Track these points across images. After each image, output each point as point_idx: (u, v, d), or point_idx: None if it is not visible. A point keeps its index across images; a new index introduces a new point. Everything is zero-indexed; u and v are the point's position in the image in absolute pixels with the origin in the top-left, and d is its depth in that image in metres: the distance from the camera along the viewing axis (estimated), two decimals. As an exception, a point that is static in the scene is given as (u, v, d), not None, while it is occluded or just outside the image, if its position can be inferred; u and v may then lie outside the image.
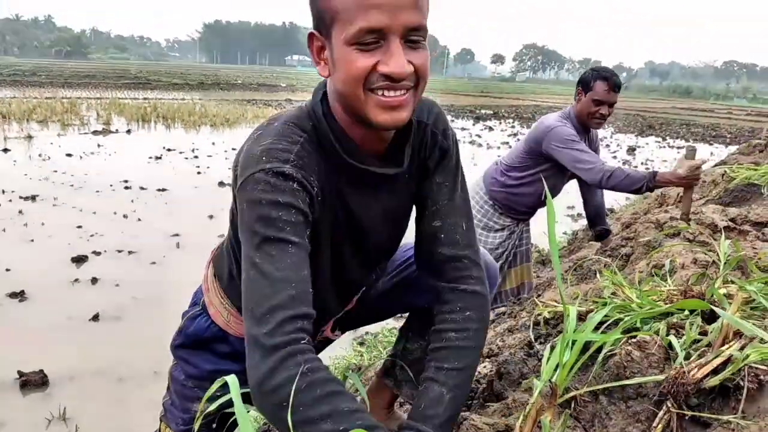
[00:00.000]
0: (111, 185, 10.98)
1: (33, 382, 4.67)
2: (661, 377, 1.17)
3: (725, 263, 1.79)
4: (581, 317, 1.49)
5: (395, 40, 0.98)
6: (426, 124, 1.26)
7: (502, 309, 3.48)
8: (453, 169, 1.29)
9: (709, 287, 1.40)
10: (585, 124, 3.07)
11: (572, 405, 1.26)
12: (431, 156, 1.27)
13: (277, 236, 1.02)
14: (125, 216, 10.27)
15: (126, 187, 10.97)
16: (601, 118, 2.97)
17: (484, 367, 1.68)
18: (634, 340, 1.27)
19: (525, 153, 3.10)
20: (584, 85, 2.99)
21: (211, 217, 10.87)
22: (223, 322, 1.44)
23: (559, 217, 11.25)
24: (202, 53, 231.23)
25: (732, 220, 2.91)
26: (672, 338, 1.22)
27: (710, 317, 1.35)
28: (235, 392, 0.95)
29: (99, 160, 13.02)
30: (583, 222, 9.63)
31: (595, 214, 3.38)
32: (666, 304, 1.40)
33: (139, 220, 10.00)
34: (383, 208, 1.25)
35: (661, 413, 1.14)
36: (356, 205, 1.20)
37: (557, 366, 1.14)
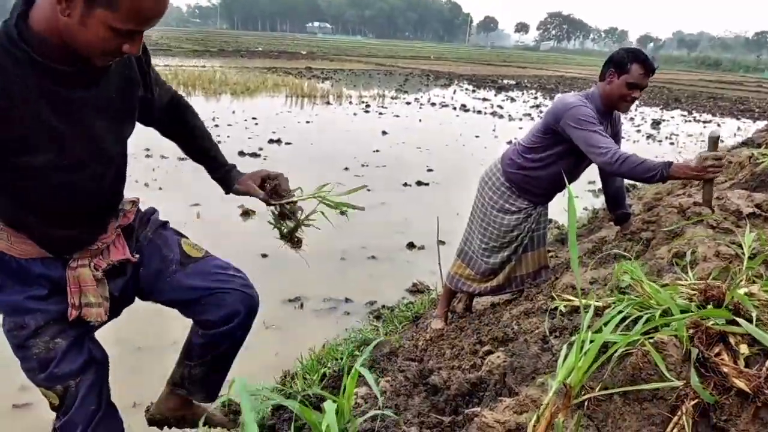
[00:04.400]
0: (132, 153, 11.04)
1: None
2: (677, 383, 1.15)
3: (749, 257, 1.74)
4: (597, 312, 1.47)
5: (140, 36, 1.30)
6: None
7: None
8: None
9: (730, 288, 1.36)
10: (612, 107, 2.96)
11: (585, 404, 1.24)
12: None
13: None
14: (146, 184, 10.37)
15: (147, 156, 11.04)
16: (631, 101, 2.86)
17: (498, 357, 1.67)
18: (651, 340, 1.25)
19: (542, 132, 3.01)
20: (618, 66, 2.84)
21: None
22: (5, 246, 1.48)
23: (580, 192, 11.12)
24: (223, 19, 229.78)
25: (758, 206, 2.83)
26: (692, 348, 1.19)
27: (734, 315, 1.31)
28: (243, 394, 0.96)
29: (120, 129, 13.08)
30: (601, 199, 9.52)
31: (615, 198, 3.29)
32: (688, 301, 1.37)
33: (160, 188, 10.09)
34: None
35: (675, 418, 1.13)
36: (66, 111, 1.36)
37: (572, 366, 1.13)
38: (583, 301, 1.51)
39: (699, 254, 1.91)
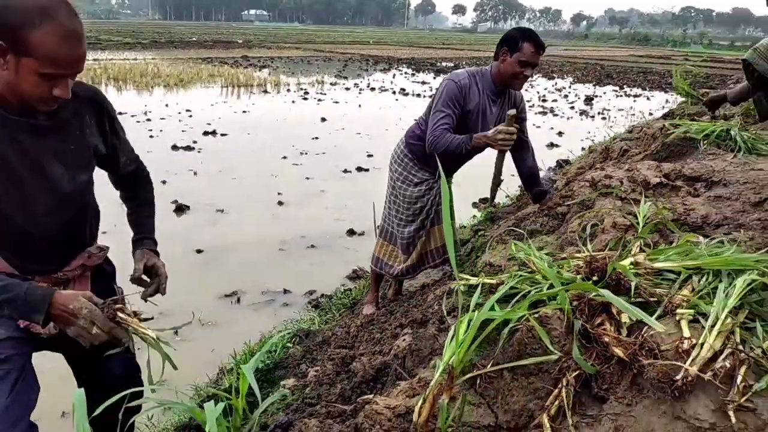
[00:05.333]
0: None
1: None
2: (554, 356, 1.17)
3: (644, 226, 1.79)
4: (492, 290, 1.48)
5: (65, 80, 1.51)
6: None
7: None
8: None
9: (616, 259, 1.39)
10: (506, 84, 3.04)
11: (478, 382, 1.25)
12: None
13: None
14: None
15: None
16: (524, 79, 2.97)
17: (403, 340, 1.66)
18: (536, 315, 1.26)
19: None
20: (511, 45, 2.93)
21: (164, 182, 10.60)
22: None
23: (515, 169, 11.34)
24: (155, 10, 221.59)
25: (666, 175, 2.93)
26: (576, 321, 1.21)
27: (615, 288, 1.35)
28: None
29: (44, 127, 12.46)
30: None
31: (529, 177, 3.38)
32: (575, 274, 1.40)
33: (88, 188, 9.75)
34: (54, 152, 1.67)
35: (556, 390, 1.14)
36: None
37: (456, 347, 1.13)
38: (475, 279, 1.52)
39: (598, 228, 1.96)
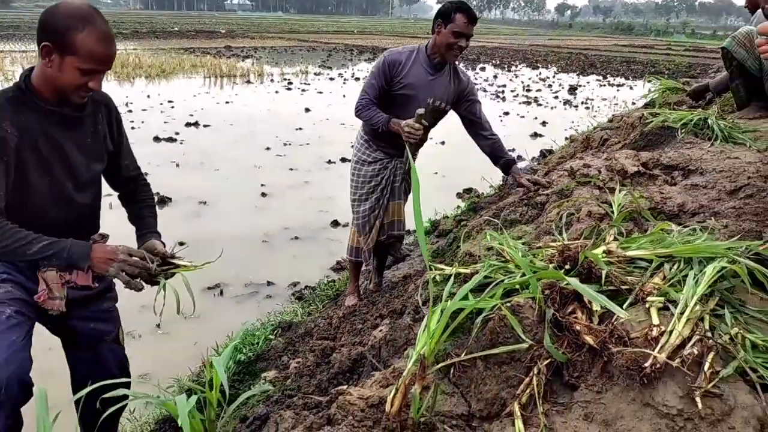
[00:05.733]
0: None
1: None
2: (525, 345, 1.17)
3: (618, 215, 1.80)
4: (466, 279, 1.48)
5: (99, 75, 1.83)
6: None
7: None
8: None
9: (588, 248, 1.39)
10: (442, 55, 3.16)
11: (452, 371, 1.25)
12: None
13: None
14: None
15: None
16: (459, 50, 3.09)
17: (380, 331, 1.66)
18: (509, 304, 1.26)
19: None
20: (444, 17, 3.07)
21: (145, 174, 10.48)
22: None
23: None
24: (136, 0, 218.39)
25: (644, 164, 2.94)
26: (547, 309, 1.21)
27: (587, 276, 1.35)
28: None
29: (22, 119, 12.26)
30: (520, 165, 9.80)
31: (491, 150, 3.44)
32: (548, 263, 1.40)
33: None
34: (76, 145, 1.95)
35: (527, 379, 1.15)
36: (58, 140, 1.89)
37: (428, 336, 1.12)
38: (448, 269, 1.52)
39: (574, 216, 1.97)
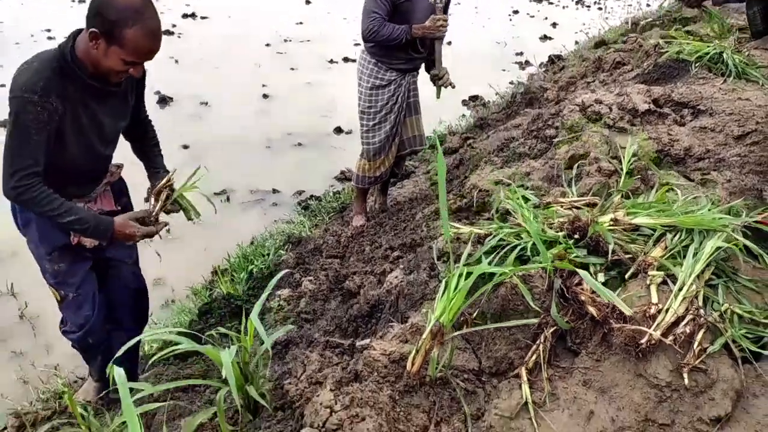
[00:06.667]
0: (32, 35, 10.06)
1: (-26, 257, 4.62)
2: (534, 321, 1.30)
3: (626, 175, 1.87)
4: (480, 240, 1.58)
5: (141, 65, 1.96)
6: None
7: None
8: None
9: (597, 218, 1.48)
10: None
11: (464, 327, 1.38)
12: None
13: (22, 131, 1.88)
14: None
15: (49, 38, 10.10)
16: None
17: (396, 277, 1.79)
18: (521, 273, 1.37)
19: None
20: None
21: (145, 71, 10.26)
22: None
23: (507, 64, 11.11)
24: None
25: (655, 101, 2.95)
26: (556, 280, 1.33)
27: (594, 248, 1.45)
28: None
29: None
30: (528, 71, 9.61)
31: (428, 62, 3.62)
32: (557, 231, 1.49)
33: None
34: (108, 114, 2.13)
35: (534, 346, 1.28)
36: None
37: (446, 304, 1.24)
38: (465, 229, 1.61)
39: (584, 169, 2.04)
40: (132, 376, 2.69)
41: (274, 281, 1.66)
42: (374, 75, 3.42)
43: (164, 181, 2.27)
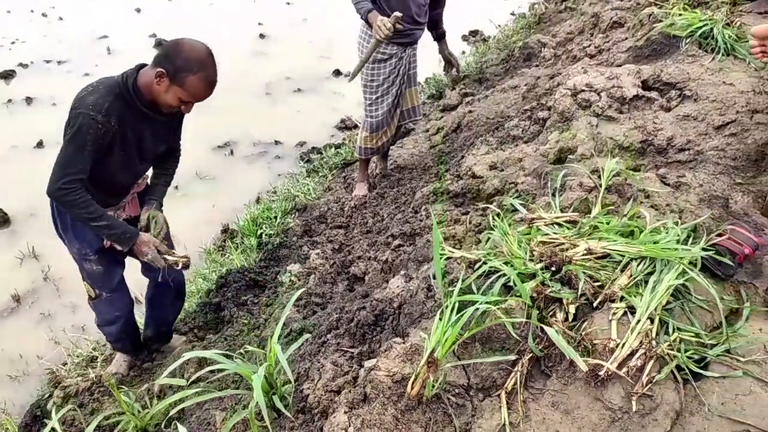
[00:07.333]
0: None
1: (-5, 221, 4.85)
2: (512, 357, 1.54)
3: (606, 189, 2.06)
4: (471, 265, 1.80)
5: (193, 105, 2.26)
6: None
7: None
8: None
9: (565, 264, 1.68)
10: None
11: (456, 347, 1.63)
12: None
13: (80, 143, 2.15)
14: (44, 14, 9.35)
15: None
16: None
17: (397, 286, 2.02)
18: (503, 305, 1.60)
19: None
20: None
21: (138, 10, 10.01)
22: None
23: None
24: None
25: (644, 82, 3.08)
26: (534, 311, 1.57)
27: (569, 279, 1.68)
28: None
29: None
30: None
31: (435, 19, 3.83)
32: (537, 262, 1.71)
33: (60, 18, 9.17)
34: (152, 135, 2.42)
35: (515, 369, 1.54)
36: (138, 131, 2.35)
37: (440, 337, 1.49)
38: (458, 253, 1.83)
39: (568, 185, 2.22)
40: (168, 335, 3.13)
41: (290, 303, 1.90)
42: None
43: (183, 260, 2.51)
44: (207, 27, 8.85)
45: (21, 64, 7.36)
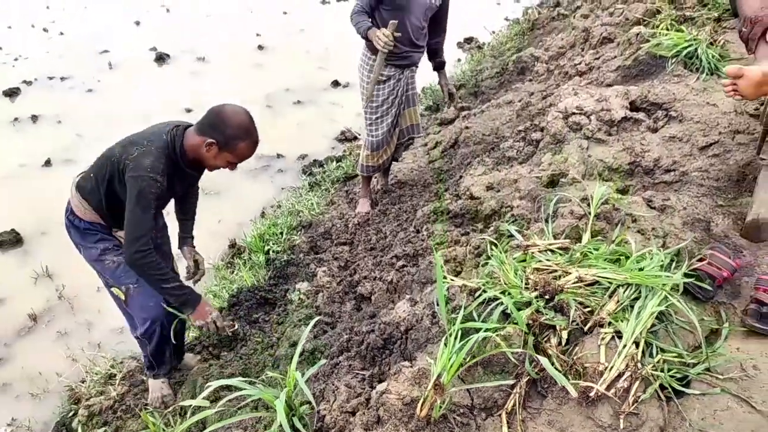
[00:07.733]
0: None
1: (7, 241, 4.99)
2: (510, 382, 1.70)
3: (595, 216, 2.22)
4: (472, 293, 1.95)
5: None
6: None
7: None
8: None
9: (558, 292, 1.84)
10: None
11: (460, 370, 1.79)
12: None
13: (145, 204, 2.39)
14: (45, 29, 9.46)
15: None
16: None
17: (403, 311, 2.17)
18: (502, 332, 1.76)
19: None
20: None
21: (137, 23, 10.11)
22: (93, 217, 2.70)
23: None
24: None
25: (632, 103, 3.24)
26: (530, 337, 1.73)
27: (561, 307, 1.84)
28: None
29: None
30: (523, 4, 9.56)
31: (435, 48, 3.92)
32: (532, 290, 1.87)
33: (61, 33, 9.28)
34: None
35: (514, 391, 1.69)
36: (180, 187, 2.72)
37: (446, 363, 1.64)
38: (459, 281, 1.99)
39: (559, 212, 2.38)
40: (181, 352, 3.24)
41: (306, 332, 2.06)
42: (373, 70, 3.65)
43: (231, 328, 2.73)
44: (207, 41, 8.97)
45: (25, 81, 7.49)
